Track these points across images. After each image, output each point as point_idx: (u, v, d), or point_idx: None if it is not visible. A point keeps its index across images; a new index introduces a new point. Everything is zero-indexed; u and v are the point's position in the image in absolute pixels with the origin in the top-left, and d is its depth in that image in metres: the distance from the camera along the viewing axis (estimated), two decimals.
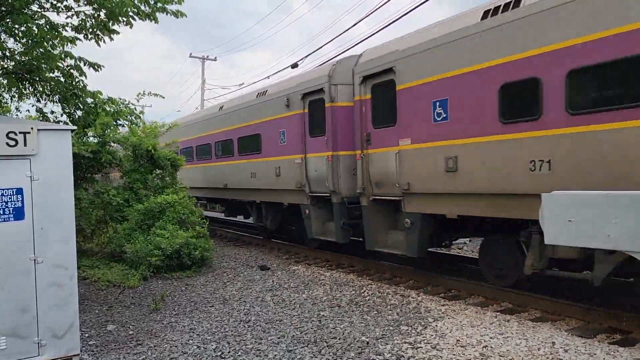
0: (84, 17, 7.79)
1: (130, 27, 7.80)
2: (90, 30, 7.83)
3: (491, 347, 5.31)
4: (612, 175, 5.24)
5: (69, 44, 8.15)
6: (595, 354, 5.00)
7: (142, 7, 7.54)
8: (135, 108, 12.04)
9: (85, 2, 7.55)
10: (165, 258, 9.90)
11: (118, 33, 8.00)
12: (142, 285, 9.18)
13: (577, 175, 5.63)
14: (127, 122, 12.15)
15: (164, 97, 12.27)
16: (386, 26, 18.24)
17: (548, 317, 6.47)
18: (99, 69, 8.69)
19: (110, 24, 7.68)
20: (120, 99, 11.38)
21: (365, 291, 8.14)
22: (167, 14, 7.77)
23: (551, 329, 5.91)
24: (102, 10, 7.43)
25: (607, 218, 2.00)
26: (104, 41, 8.07)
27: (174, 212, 11.10)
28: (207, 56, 45.80)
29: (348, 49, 18.62)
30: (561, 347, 5.20)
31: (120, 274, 9.62)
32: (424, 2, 17.15)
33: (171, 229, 10.51)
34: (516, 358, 4.97)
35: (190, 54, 44.91)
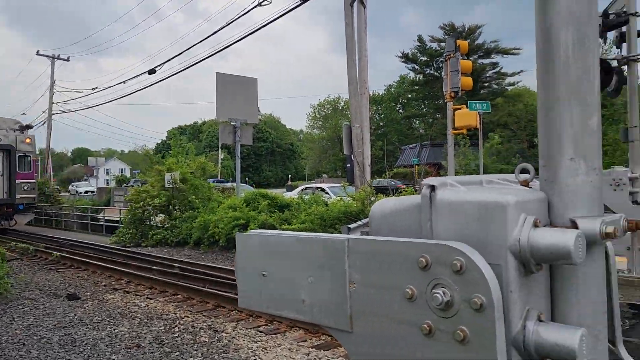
0: None
1: None
2: None
3: None
4: None
5: None
6: None
7: None
8: None
9: None
10: None
11: None
12: None
13: None
14: None
15: None
16: (249, 34, 18.12)
17: None
18: None
19: None
20: None
21: (176, 326, 7.13)
22: None
23: None
24: None
25: (302, 274, 1.16)
26: None
27: None
28: (59, 55, 41.24)
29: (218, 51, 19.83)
30: None
31: None
32: (281, 16, 17.11)
33: None
34: None
35: (38, 51, 39.93)
